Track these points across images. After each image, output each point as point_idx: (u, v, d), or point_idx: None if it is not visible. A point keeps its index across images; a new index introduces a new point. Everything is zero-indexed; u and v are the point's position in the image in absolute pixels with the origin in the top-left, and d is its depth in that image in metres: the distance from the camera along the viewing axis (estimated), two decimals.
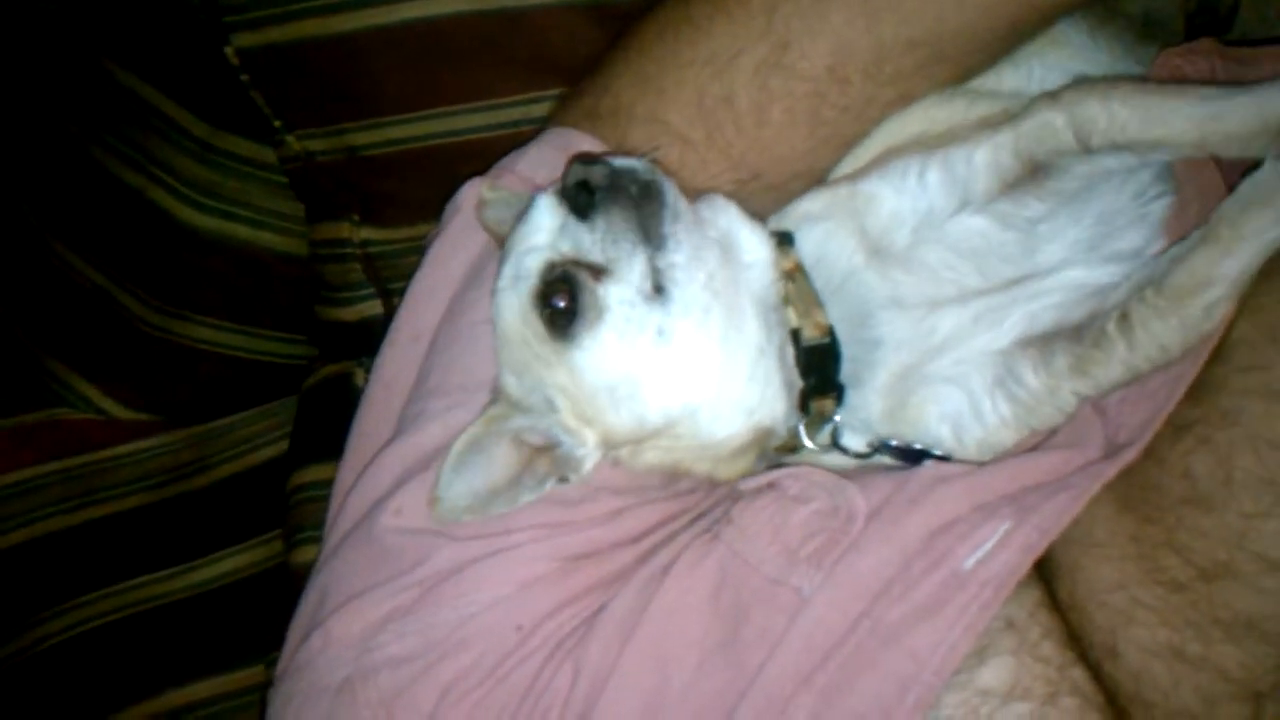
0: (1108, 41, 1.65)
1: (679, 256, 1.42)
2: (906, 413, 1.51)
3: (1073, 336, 1.42)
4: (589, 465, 1.50)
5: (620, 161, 1.43)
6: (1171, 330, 1.33)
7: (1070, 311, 1.45)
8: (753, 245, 1.52)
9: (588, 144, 1.64)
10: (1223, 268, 1.29)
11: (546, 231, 1.44)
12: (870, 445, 1.53)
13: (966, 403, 1.48)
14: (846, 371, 1.52)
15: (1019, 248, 1.51)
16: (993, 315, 1.48)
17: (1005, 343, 1.47)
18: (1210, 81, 1.45)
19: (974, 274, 1.51)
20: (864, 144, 1.64)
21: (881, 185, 1.55)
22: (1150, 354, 1.35)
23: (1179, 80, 1.47)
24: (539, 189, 1.52)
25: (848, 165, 1.65)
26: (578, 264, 1.42)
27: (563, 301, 1.41)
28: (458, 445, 1.44)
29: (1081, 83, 1.47)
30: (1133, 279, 1.40)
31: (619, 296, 1.41)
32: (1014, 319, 1.48)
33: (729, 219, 1.53)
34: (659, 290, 1.42)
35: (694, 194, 1.59)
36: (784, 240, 1.55)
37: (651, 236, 1.42)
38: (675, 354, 1.42)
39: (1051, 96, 1.46)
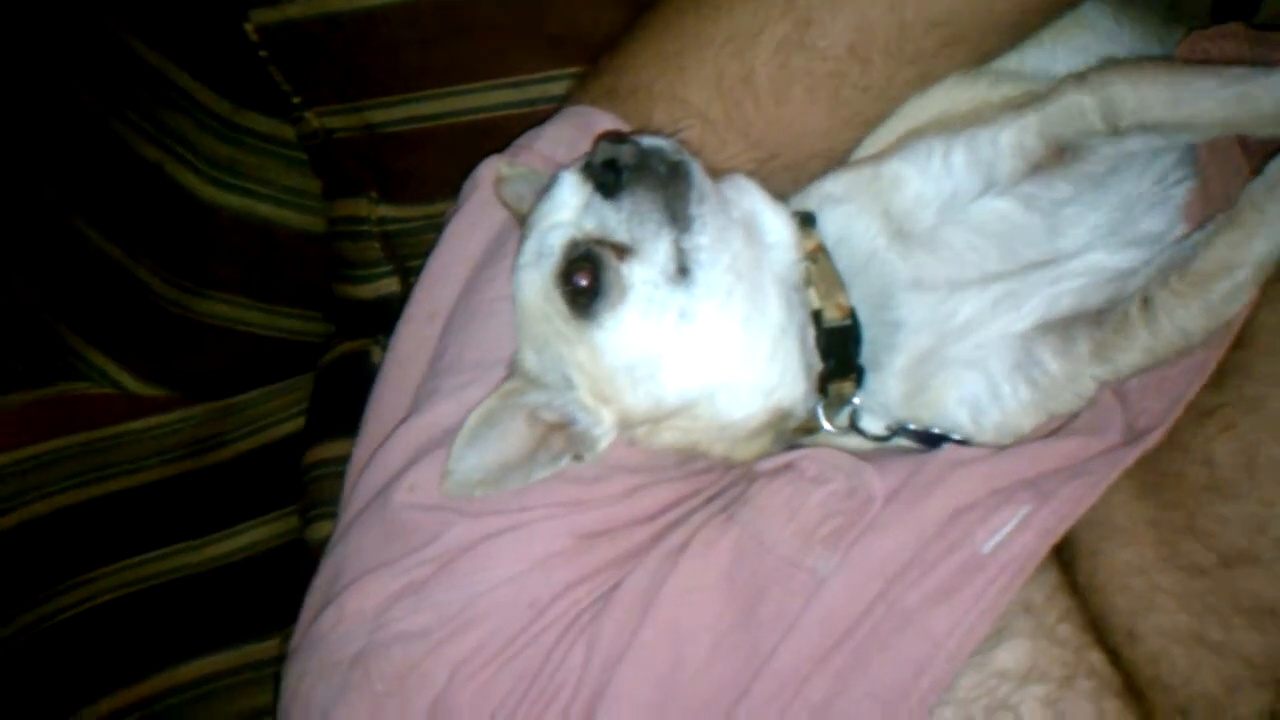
0: (1132, 24, 1.64)
1: (704, 238, 1.41)
2: (925, 396, 1.50)
3: (1093, 321, 1.41)
4: (604, 444, 1.49)
5: (648, 141, 1.42)
6: (1194, 315, 1.32)
7: (1090, 296, 1.44)
8: (776, 226, 1.51)
9: (607, 122, 1.63)
10: (1248, 251, 1.28)
11: (570, 209, 1.44)
12: (889, 428, 1.52)
13: (985, 386, 1.47)
14: (866, 354, 1.51)
15: (1042, 231, 1.50)
16: (1013, 299, 1.48)
17: (1024, 326, 1.47)
18: (1238, 64, 1.43)
19: (996, 257, 1.50)
20: (886, 125, 1.63)
21: (906, 167, 1.54)
22: (1172, 339, 1.34)
23: (1205, 63, 1.45)
24: (559, 166, 1.51)
25: (869, 147, 1.64)
26: (601, 243, 1.41)
27: (585, 280, 1.40)
28: (472, 419, 1.44)
29: (1108, 64, 1.46)
30: (1155, 263, 1.39)
31: (643, 277, 1.40)
32: (1034, 303, 1.47)
33: (752, 199, 1.52)
34: (683, 271, 1.41)
35: (714, 173, 1.58)
36: (806, 221, 1.54)
37: (678, 218, 1.41)
38: (697, 335, 1.42)
39: (1079, 78, 1.45)
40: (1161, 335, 1.34)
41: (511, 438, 1.45)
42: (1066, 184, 1.50)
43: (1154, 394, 1.36)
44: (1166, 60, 1.50)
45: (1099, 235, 1.48)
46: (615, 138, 1.42)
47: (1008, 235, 1.50)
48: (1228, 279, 1.29)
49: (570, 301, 1.42)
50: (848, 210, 1.55)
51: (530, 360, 1.49)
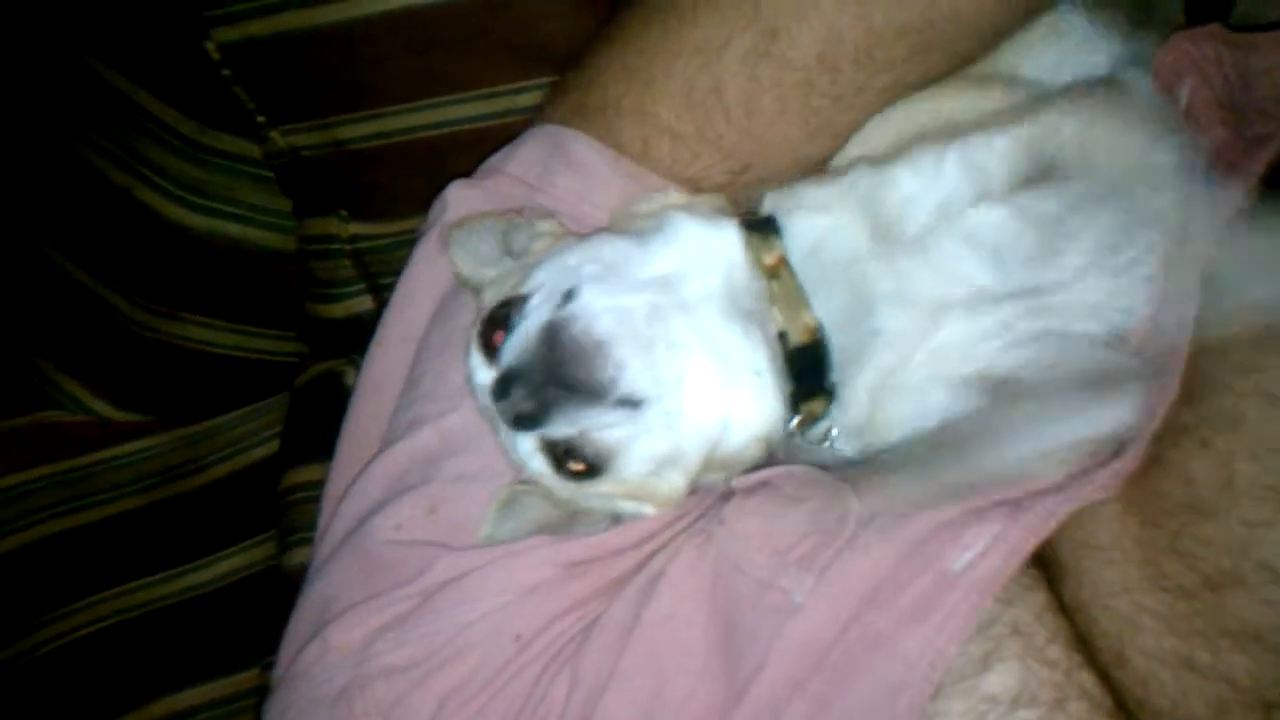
0: (1105, 28, 1.62)
1: (635, 372, 1.37)
2: (883, 416, 1.47)
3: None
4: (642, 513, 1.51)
5: (518, 355, 1.38)
6: None
7: (1069, 347, 1.40)
8: (723, 255, 1.48)
9: (577, 142, 1.61)
10: None
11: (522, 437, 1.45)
12: (863, 453, 1.50)
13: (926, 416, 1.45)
14: (837, 370, 1.49)
15: (1038, 246, 1.43)
16: (979, 330, 1.43)
17: (970, 370, 1.43)
18: (1218, 66, 1.44)
19: (988, 271, 1.44)
20: (873, 132, 1.61)
21: (897, 169, 1.50)
22: None
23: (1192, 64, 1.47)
24: (530, 189, 1.51)
25: (854, 152, 1.62)
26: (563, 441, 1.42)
27: (581, 468, 1.42)
28: (503, 493, 1.47)
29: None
30: None
31: (614, 436, 1.40)
32: (991, 346, 1.42)
33: (672, 251, 1.47)
34: (640, 403, 1.38)
35: (687, 187, 1.58)
36: (770, 230, 1.51)
37: (604, 386, 1.37)
38: (688, 416, 1.41)
39: (1066, 93, 1.48)
40: None
41: (545, 510, 1.49)
42: (1063, 198, 1.45)
43: None
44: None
45: (1098, 255, 1.42)
46: (503, 383, 1.37)
47: (1001, 248, 1.44)
48: None
49: (578, 480, 1.44)
50: (830, 214, 1.51)
51: (564, 497, 1.50)
